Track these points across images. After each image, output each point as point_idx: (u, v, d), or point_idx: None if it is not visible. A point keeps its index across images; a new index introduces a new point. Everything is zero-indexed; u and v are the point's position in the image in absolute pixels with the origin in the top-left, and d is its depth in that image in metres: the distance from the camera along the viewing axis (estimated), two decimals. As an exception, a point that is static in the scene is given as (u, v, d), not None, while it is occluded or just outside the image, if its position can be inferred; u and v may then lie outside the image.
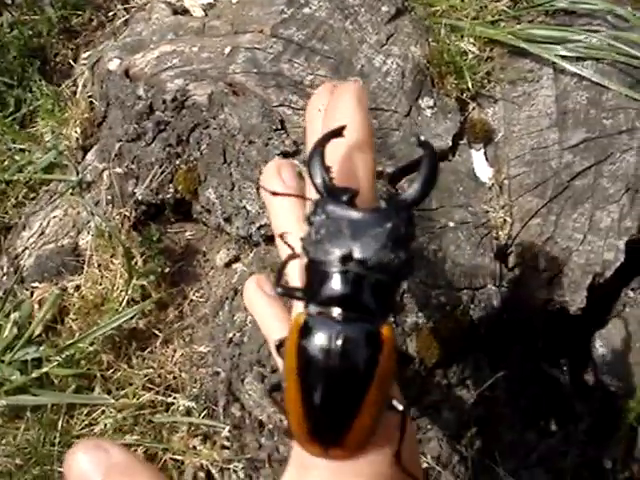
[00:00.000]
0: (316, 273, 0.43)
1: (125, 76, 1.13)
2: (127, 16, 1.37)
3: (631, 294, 1.09)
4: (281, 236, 0.50)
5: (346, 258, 0.41)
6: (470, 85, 1.14)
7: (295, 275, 0.49)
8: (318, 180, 0.44)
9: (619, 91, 1.10)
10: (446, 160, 1.09)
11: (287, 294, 0.47)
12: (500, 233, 1.06)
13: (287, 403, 0.45)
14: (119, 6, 1.42)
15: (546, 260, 1.04)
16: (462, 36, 1.21)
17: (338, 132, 0.45)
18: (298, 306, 0.46)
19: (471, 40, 1.20)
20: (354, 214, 0.42)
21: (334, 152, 0.46)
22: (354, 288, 0.42)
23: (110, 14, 1.40)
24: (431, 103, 1.10)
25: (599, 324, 1.08)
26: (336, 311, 0.42)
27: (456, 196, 1.05)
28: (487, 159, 1.12)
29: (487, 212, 1.06)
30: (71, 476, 0.47)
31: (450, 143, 1.08)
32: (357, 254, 0.41)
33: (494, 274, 1.02)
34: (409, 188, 0.43)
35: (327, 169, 0.44)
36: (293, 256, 0.48)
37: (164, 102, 1.08)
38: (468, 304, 0.99)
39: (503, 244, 1.06)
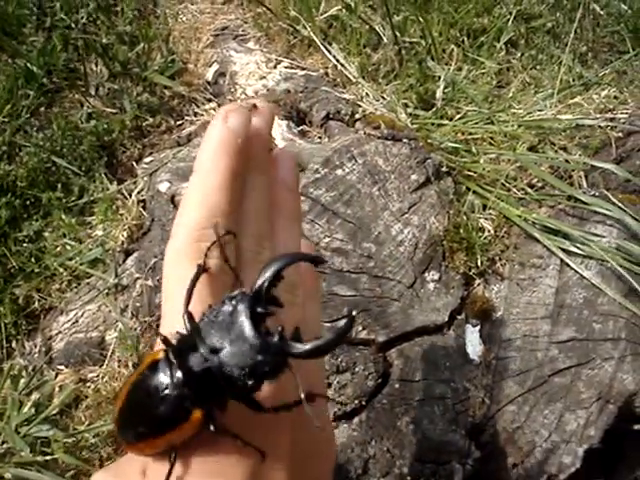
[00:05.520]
0: (188, 338, 0.47)
1: (171, 201, 1.26)
2: (193, 127, 1.50)
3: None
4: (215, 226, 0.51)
5: (214, 351, 0.46)
6: (480, 263, 1.22)
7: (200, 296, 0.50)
8: (260, 281, 0.47)
9: (614, 298, 1.16)
10: (439, 334, 1.17)
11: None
12: (477, 412, 1.14)
13: None
14: (191, 111, 1.57)
15: (512, 448, 1.11)
16: (484, 207, 1.30)
17: (315, 261, 0.50)
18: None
19: (492, 215, 1.29)
20: (247, 328, 0.45)
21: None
22: (200, 374, 0.46)
23: (179, 122, 1.53)
24: (437, 277, 1.18)
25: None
26: (178, 374, 0.47)
27: (441, 370, 1.13)
28: (481, 336, 1.20)
29: (468, 390, 1.13)
30: None
31: (446, 318, 1.16)
32: (223, 356, 0.45)
33: (462, 451, 1.10)
34: (306, 343, 0.45)
35: (276, 279, 0.47)
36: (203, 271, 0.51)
37: (197, 234, 1.20)
38: (429, 477, 1.07)
39: (477, 423, 1.14)
